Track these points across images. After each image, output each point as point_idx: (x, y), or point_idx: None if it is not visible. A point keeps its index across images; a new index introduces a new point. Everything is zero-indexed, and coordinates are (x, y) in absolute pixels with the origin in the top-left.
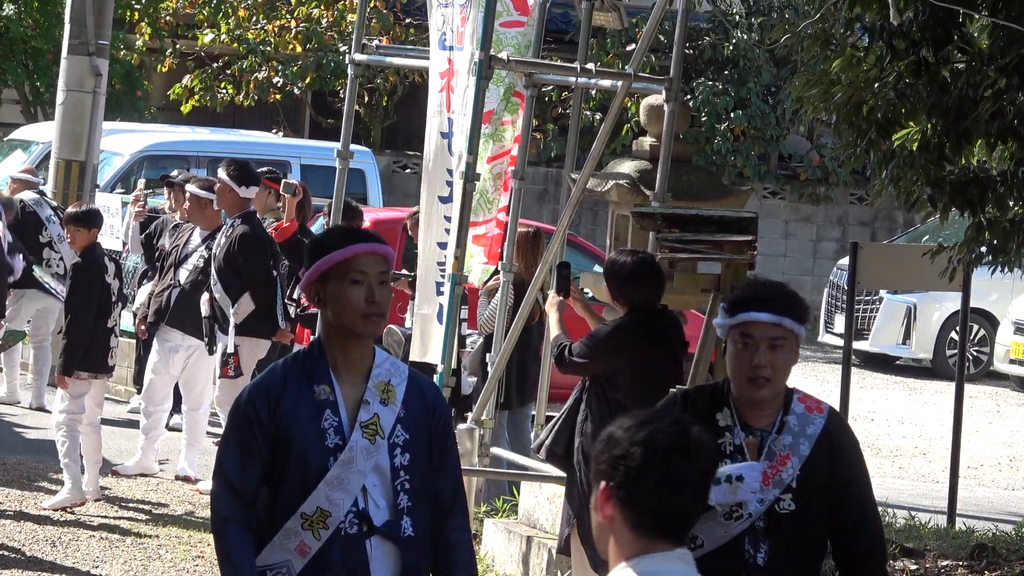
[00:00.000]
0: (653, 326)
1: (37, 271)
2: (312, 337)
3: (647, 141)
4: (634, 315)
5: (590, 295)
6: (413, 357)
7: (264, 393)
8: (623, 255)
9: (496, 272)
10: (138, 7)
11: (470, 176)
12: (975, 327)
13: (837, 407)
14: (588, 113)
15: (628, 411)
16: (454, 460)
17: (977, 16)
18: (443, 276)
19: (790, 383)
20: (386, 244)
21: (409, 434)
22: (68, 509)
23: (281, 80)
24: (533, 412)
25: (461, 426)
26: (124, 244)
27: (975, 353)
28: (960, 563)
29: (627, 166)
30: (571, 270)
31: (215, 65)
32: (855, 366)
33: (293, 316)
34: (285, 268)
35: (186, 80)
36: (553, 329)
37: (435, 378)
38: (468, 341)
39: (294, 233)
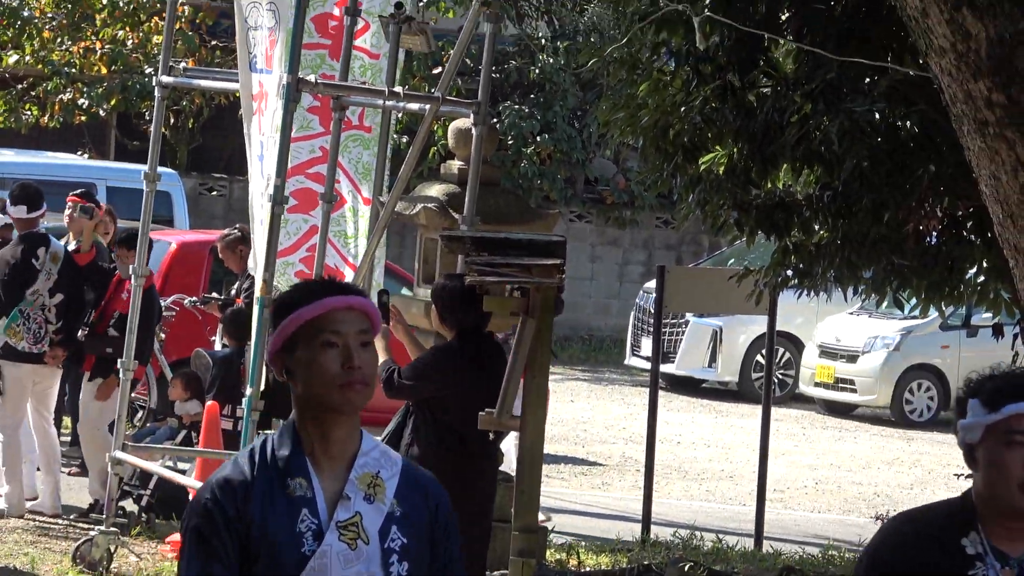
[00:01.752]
0: (479, 350)
1: None
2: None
3: (455, 164)
4: (461, 339)
5: None
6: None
7: (229, 491)
8: (452, 279)
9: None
10: None
11: (278, 199)
12: (781, 350)
13: (644, 430)
14: (395, 136)
15: (458, 434)
16: (459, 569)
17: (782, 41)
18: None
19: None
20: (366, 297)
21: (407, 538)
22: None
23: (86, 102)
24: None
25: None
26: None
27: (781, 376)
28: None
29: (435, 189)
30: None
31: (19, 87)
32: (662, 389)
33: (64, 340)
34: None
35: None
36: (380, 355)
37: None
38: None
39: (93, 259)
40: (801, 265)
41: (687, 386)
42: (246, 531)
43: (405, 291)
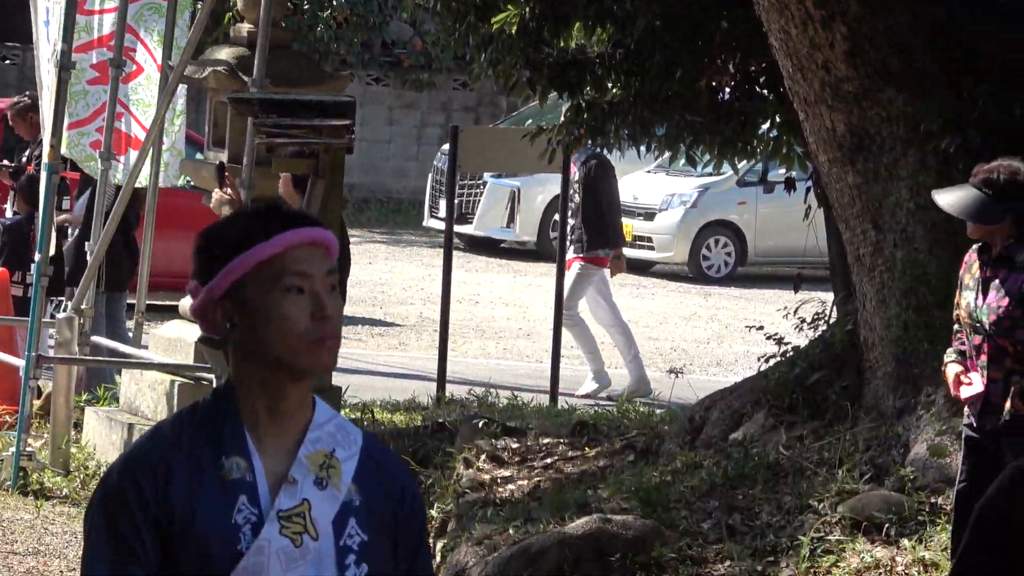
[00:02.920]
0: None
1: None
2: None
3: (245, 27)
4: None
5: (191, 183)
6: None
7: (146, 470)
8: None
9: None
10: None
11: (65, 64)
12: None
13: (440, 291)
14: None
15: None
16: (426, 566)
17: None
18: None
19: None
20: (326, 228)
21: (368, 534)
22: None
23: None
24: (130, 301)
25: (60, 315)
26: None
27: None
28: (561, 440)
29: (225, 52)
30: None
31: None
32: (460, 250)
33: None
34: None
35: None
36: None
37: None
38: (70, 231)
39: None
40: (594, 123)
41: (486, 246)
42: (167, 522)
43: (198, 155)
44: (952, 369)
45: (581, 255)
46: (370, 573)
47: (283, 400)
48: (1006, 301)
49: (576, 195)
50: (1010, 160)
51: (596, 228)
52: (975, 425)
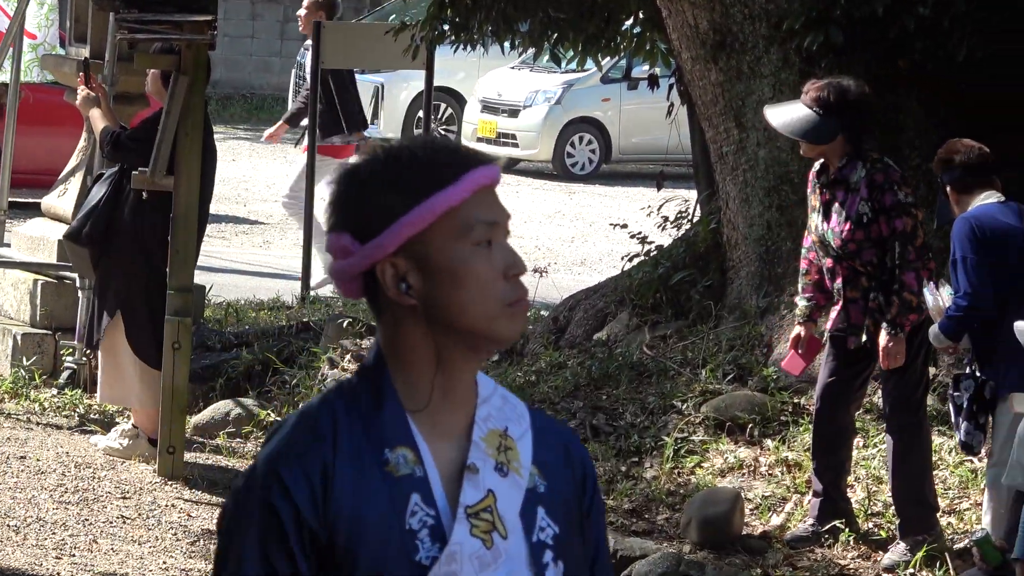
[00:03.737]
0: None
1: None
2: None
3: None
4: None
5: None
6: None
7: (300, 469)
8: None
9: None
10: None
11: None
12: (443, 106)
13: (295, 184)
14: None
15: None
16: (607, 559)
17: None
18: None
19: None
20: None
21: (559, 525)
22: None
23: None
24: None
25: None
26: None
27: (443, 131)
28: None
29: None
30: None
31: None
32: None
33: None
34: None
35: None
36: (99, 123)
37: None
38: None
39: None
40: (457, 19)
41: None
42: (329, 539)
43: (59, 49)
44: (794, 331)
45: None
46: (567, 573)
47: (461, 376)
48: (848, 225)
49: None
50: (840, 78)
51: (327, 114)
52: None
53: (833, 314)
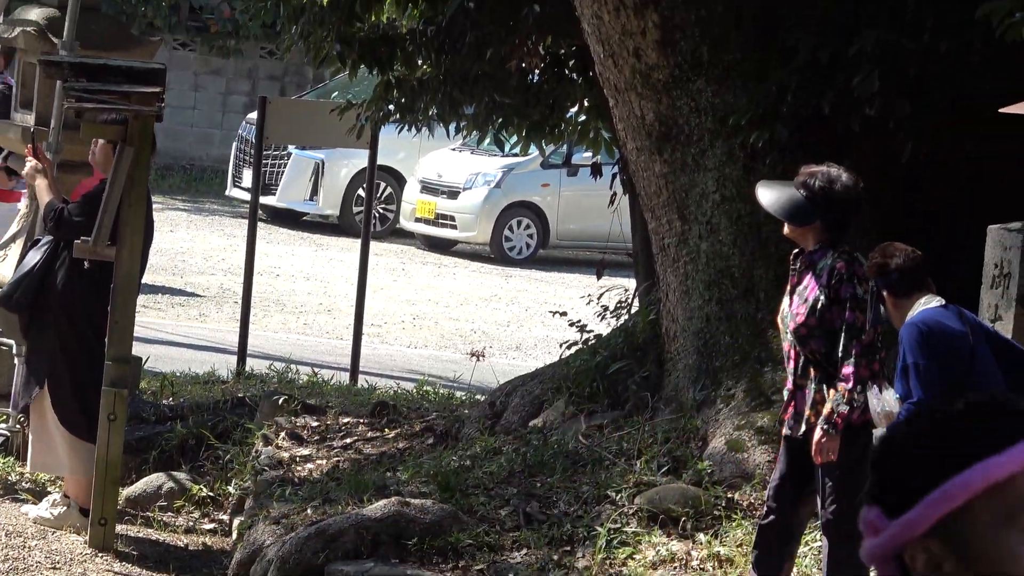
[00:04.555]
0: None
1: None
2: None
3: None
4: None
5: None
6: None
7: None
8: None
9: None
10: None
11: None
12: (383, 185)
13: (242, 262)
14: None
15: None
16: None
17: None
18: None
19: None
20: None
21: None
22: None
23: None
24: None
25: None
26: None
27: (382, 211)
28: (361, 420)
29: (35, 13)
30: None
31: None
32: (263, 221)
33: None
34: None
35: None
36: (44, 195)
37: None
38: None
39: None
40: (403, 100)
41: (288, 219)
42: None
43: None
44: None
45: None
46: None
47: None
48: (803, 309)
49: None
50: (834, 167)
51: None
52: (790, 426)
53: (785, 400)
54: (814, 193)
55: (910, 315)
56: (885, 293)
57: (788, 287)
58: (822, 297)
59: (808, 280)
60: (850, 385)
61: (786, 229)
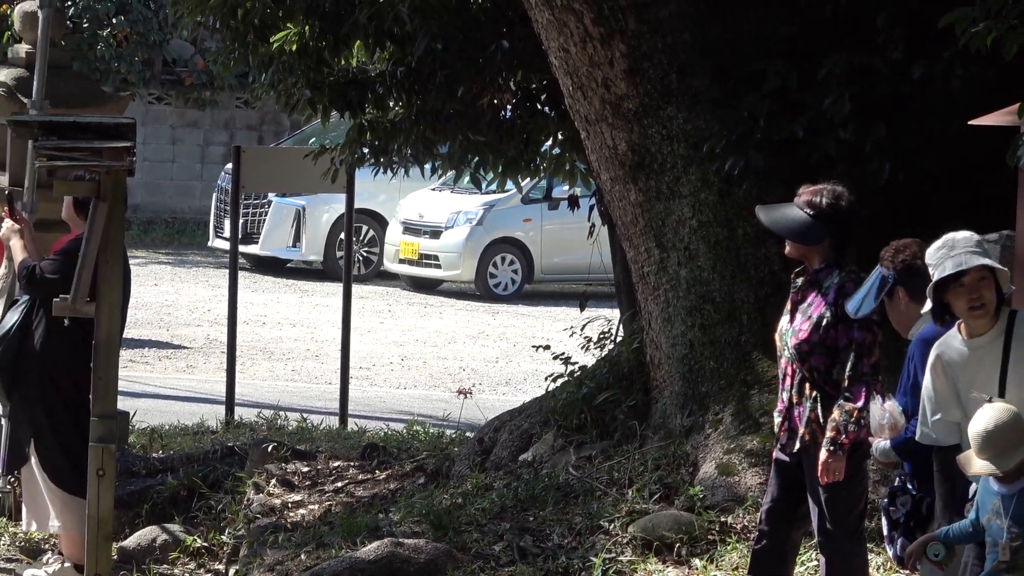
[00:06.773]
0: None
1: None
2: None
3: (23, 48)
4: None
5: None
6: None
7: None
8: None
9: None
10: None
11: None
12: (365, 228)
13: (226, 312)
14: None
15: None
16: None
17: None
18: None
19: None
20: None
21: None
22: None
23: None
24: None
25: None
26: None
27: (366, 254)
28: (352, 463)
29: (3, 74)
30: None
31: None
32: (247, 270)
33: None
34: None
35: None
36: (19, 254)
37: None
38: None
39: None
40: (377, 142)
41: (272, 266)
42: None
43: None
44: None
45: None
46: None
47: None
48: (807, 325)
49: None
50: (835, 184)
51: None
52: (783, 445)
53: (778, 419)
54: (821, 211)
55: (918, 328)
56: (902, 291)
57: (788, 305)
58: (827, 315)
59: (813, 298)
60: (859, 404)
61: (789, 248)
